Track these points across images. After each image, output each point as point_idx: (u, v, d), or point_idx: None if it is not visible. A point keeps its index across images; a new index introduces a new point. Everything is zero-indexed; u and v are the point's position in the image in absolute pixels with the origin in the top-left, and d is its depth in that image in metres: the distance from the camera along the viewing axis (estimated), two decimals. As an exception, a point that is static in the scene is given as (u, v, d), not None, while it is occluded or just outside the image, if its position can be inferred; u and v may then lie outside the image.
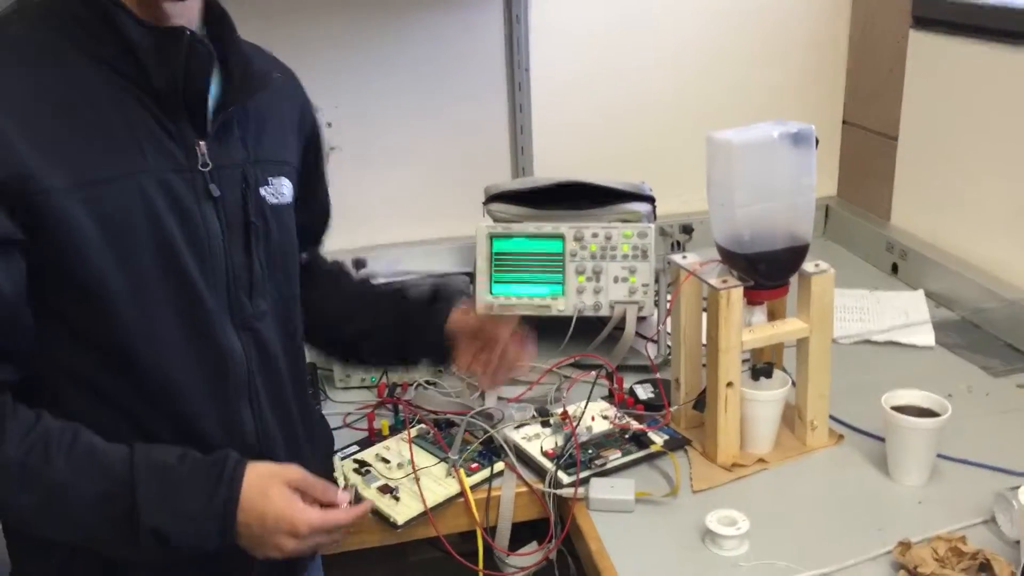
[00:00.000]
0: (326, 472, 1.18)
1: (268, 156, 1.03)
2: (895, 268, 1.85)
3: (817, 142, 1.18)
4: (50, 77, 0.88)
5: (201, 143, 0.94)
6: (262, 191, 1.01)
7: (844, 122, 2.07)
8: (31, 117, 0.85)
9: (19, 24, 0.90)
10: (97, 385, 0.93)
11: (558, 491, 1.18)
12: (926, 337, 1.57)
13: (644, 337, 1.55)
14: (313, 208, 1.20)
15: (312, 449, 1.12)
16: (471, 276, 1.63)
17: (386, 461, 1.26)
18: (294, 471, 0.96)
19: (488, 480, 1.22)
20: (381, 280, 1.74)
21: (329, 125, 1.81)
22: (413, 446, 1.27)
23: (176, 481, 0.91)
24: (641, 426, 1.29)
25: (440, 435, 1.29)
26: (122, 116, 0.90)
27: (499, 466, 1.24)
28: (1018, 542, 1.04)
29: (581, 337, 1.49)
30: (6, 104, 0.85)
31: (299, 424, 1.09)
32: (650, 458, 1.25)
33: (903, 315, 1.65)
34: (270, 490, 0.93)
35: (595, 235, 1.52)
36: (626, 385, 1.41)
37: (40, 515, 0.88)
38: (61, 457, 0.88)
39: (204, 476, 0.92)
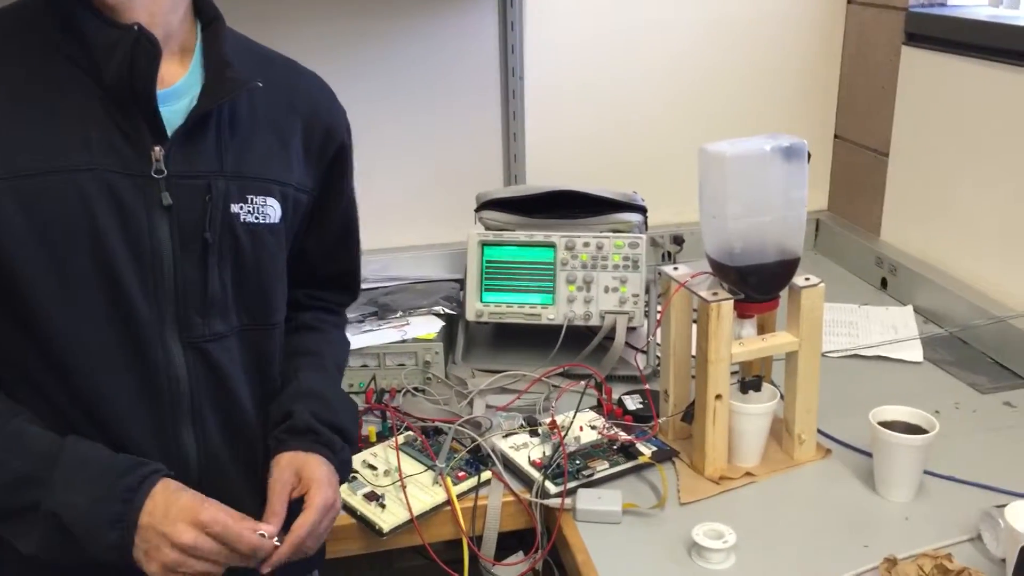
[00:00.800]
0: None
1: (251, 172, 0.97)
2: (884, 283, 1.85)
3: (809, 156, 1.19)
4: (13, 69, 0.87)
5: (157, 148, 0.90)
6: (235, 207, 0.95)
7: (836, 136, 2.08)
8: None
9: (6, 17, 0.90)
10: (37, 383, 0.91)
11: (545, 501, 1.18)
12: (914, 353, 1.57)
13: (633, 348, 1.55)
14: (322, 239, 1.12)
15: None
16: (461, 283, 1.63)
17: (373, 468, 1.25)
18: (212, 510, 0.89)
19: (475, 489, 1.21)
20: (371, 286, 1.75)
21: (322, 129, 1.81)
22: (400, 453, 1.26)
23: (93, 471, 0.88)
24: (629, 437, 1.29)
25: (428, 443, 1.29)
26: (78, 114, 0.88)
27: (486, 475, 1.23)
28: (1003, 560, 1.04)
29: (571, 346, 1.49)
30: None
31: (259, 450, 1.03)
32: (638, 469, 1.24)
33: (892, 330, 1.66)
34: (182, 492, 0.89)
35: (586, 244, 1.52)
36: (615, 396, 1.40)
37: None
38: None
39: (122, 467, 0.88)
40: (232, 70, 0.95)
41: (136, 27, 0.87)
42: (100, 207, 0.88)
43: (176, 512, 0.87)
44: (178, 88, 0.94)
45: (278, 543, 0.92)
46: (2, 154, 0.85)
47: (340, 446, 1.04)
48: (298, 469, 0.98)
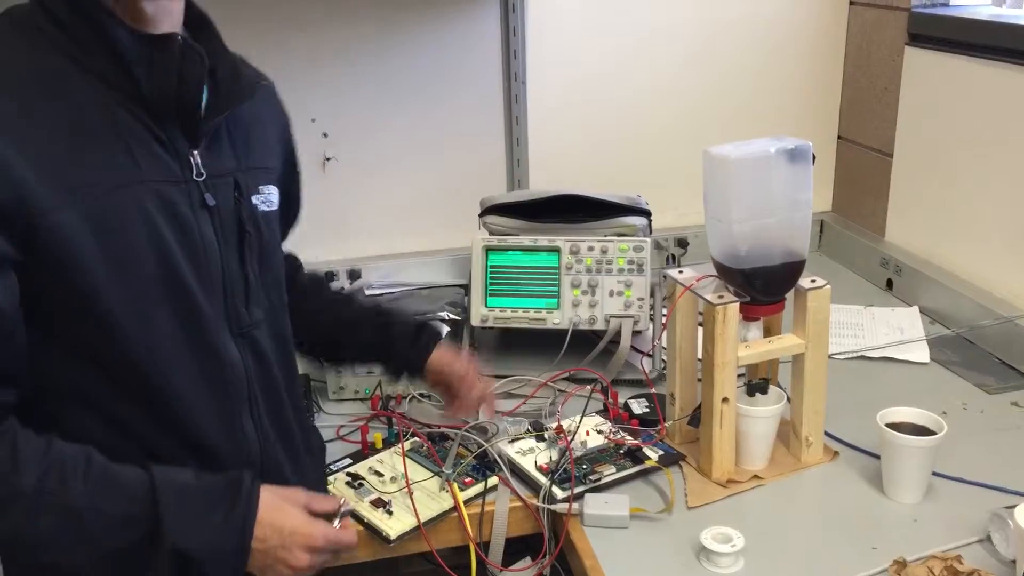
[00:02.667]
0: (322, 481, 1.19)
1: (257, 163, 1.02)
2: (890, 284, 1.85)
3: (814, 158, 1.18)
4: (42, 93, 0.86)
5: (194, 152, 0.94)
6: (254, 199, 1.00)
7: (839, 138, 2.07)
8: (26, 136, 0.84)
9: (8, 34, 0.89)
10: (98, 403, 0.91)
11: (552, 506, 1.18)
12: (921, 354, 1.57)
13: (639, 351, 1.55)
14: (291, 214, 1.19)
15: (310, 459, 1.13)
16: (466, 288, 1.63)
17: (379, 475, 1.25)
18: (300, 493, 0.99)
19: (482, 495, 1.21)
20: (376, 292, 1.75)
21: (325, 135, 1.81)
22: (407, 460, 1.26)
23: (196, 500, 0.91)
24: (636, 441, 1.28)
25: (434, 449, 1.28)
26: (114, 128, 0.88)
27: (493, 480, 1.23)
28: (1014, 561, 1.03)
29: (576, 351, 1.49)
30: (2, 126, 0.83)
31: (296, 433, 1.09)
32: (645, 473, 1.24)
33: (898, 331, 1.65)
34: (285, 506, 0.96)
35: (591, 248, 1.51)
36: (621, 400, 1.40)
37: (56, 540, 0.87)
38: (79, 480, 0.87)
39: (221, 494, 0.92)
40: (243, 68, 0.99)
41: (181, 38, 0.90)
42: (158, 217, 0.91)
43: (290, 535, 0.94)
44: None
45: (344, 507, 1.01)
46: (60, 182, 0.85)
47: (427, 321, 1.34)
48: (452, 366, 1.28)
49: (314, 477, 1.13)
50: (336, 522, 0.99)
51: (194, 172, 0.93)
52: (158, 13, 0.89)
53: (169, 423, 0.94)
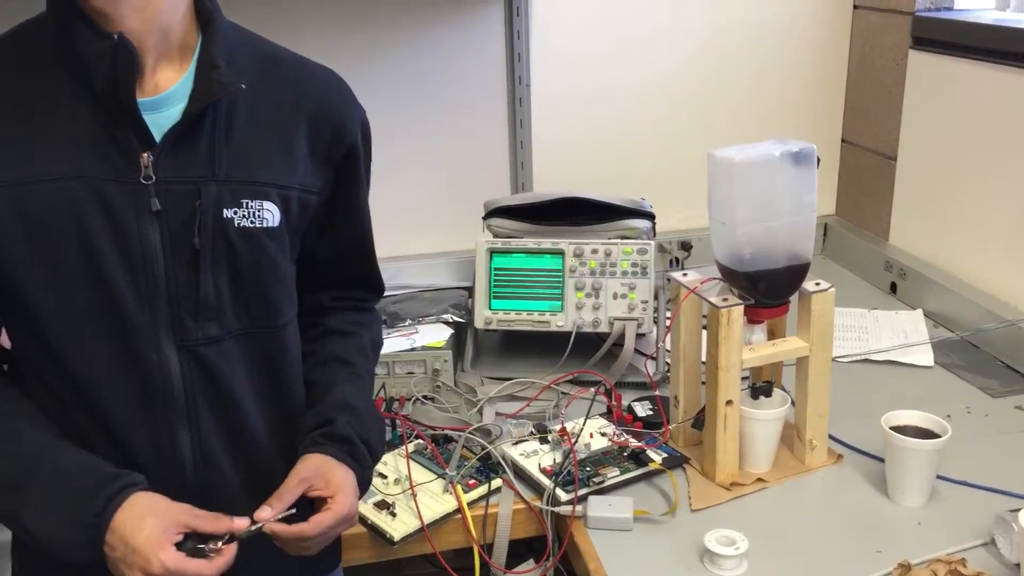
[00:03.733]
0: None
1: (247, 176, 0.96)
2: (894, 287, 1.85)
3: (818, 161, 1.18)
4: (16, 81, 0.89)
5: (145, 155, 0.90)
6: (227, 212, 0.94)
7: (843, 141, 2.07)
8: None
9: (12, 33, 0.93)
10: (42, 378, 0.94)
11: (556, 508, 1.18)
12: (925, 357, 1.57)
13: (643, 354, 1.55)
14: (336, 243, 1.10)
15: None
16: (470, 291, 1.63)
17: (383, 476, 1.25)
18: (182, 511, 0.91)
19: (486, 496, 1.21)
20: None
21: (329, 138, 1.81)
22: (411, 462, 1.26)
23: (64, 483, 0.90)
24: (639, 444, 1.28)
25: (438, 451, 1.28)
26: (72, 122, 0.89)
27: (497, 483, 1.23)
28: (1018, 565, 1.03)
29: (580, 353, 1.49)
30: None
31: (271, 458, 1.03)
32: (648, 476, 1.24)
33: (902, 335, 1.65)
34: (146, 520, 0.89)
35: (595, 251, 1.52)
36: (624, 402, 1.40)
37: None
38: None
39: (91, 489, 0.90)
40: (218, 72, 0.93)
41: (117, 36, 0.87)
42: (89, 213, 0.89)
43: (131, 553, 0.88)
44: (172, 93, 0.93)
45: (252, 526, 0.92)
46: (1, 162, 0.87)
47: (368, 463, 1.05)
48: (326, 472, 0.98)
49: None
50: (218, 543, 0.90)
51: (142, 174, 0.91)
52: (108, 8, 0.87)
53: (97, 420, 0.94)
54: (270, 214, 0.98)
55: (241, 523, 0.91)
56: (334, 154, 1.04)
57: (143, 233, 0.91)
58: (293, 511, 0.94)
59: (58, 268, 0.89)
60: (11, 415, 0.93)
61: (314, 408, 1.05)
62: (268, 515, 0.92)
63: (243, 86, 0.95)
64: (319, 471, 0.98)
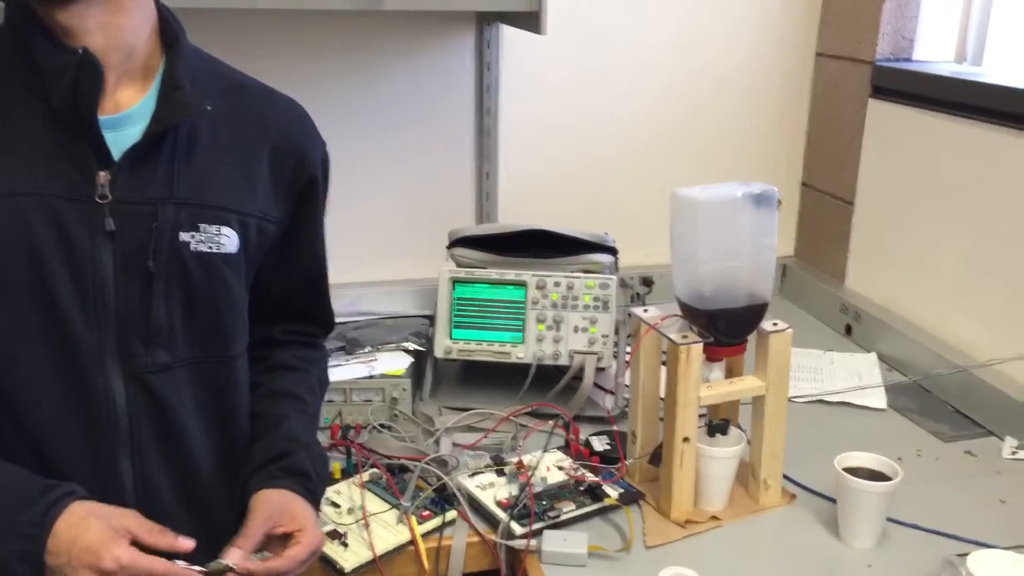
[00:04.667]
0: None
1: (206, 200, 0.94)
2: (849, 329, 1.88)
3: (780, 204, 1.20)
4: None
5: (102, 173, 0.89)
6: (184, 235, 0.93)
7: (803, 184, 2.11)
8: None
9: None
10: None
11: (510, 542, 1.17)
12: (878, 400, 1.59)
13: (602, 388, 1.55)
14: (290, 275, 1.10)
15: (236, 523, 0.98)
16: (431, 319, 1.62)
17: (336, 506, 1.23)
18: (128, 516, 0.88)
19: (440, 528, 1.20)
20: (341, 320, 1.73)
21: (295, 161, 1.81)
22: (365, 491, 1.25)
23: (1, 500, 0.85)
24: (596, 478, 1.28)
25: (393, 481, 1.27)
26: (29, 138, 0.87)
27: (452, 514, 1.22)
28: (965, 609, 1.04)
29: (539, 386, 1.49)
30: None
31: (216, 491, 1.01)
32: (604, 511, 1.24)
33: (856, 377, 1.67)
34: (90, 521, 0.85)
35: (557, 284, 1.52)
36: (582, 436, 1.40)
37: None
38: None
39: (30, 498, 0.85)
40: (181, 93, 0.93)
41: (81, 50, 0.86)
42: (41, 231, 0.87)
43: (78, 553, 0.83)
44: (133, 112, 0.92)
45: (233, 566, 0.89)
46: None
47: (319, 498, 1.05)
48: (289, 507, 0.97)
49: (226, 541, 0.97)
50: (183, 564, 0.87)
51: (97, 193, 0.89)
52: (74, 22, 0.86)
53: (32, 445, 0.90)
54: (228, 239, 0.96)
55: (186, 543, 0.88)
56: (295, 185, 1.04)
57: (95, 254, 0.89)
58: (263, 552, 0.93)
59: (5, 286, 0.86)
60: None
61: (264, 440, 1.03)
62: (239, 556, 0.90)
63: (208, 107, 0.94)
64: (282, 507, 0.96)
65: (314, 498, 1.02)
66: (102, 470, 0.93)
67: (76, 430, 0.91)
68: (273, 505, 0.96)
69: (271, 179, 1.01)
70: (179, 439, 0.97)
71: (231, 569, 0.89)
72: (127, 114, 0.92)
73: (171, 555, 0.88)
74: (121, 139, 0.91)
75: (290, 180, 1.03)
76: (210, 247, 0.95)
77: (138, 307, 0.92)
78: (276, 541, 0.96)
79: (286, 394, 1.10)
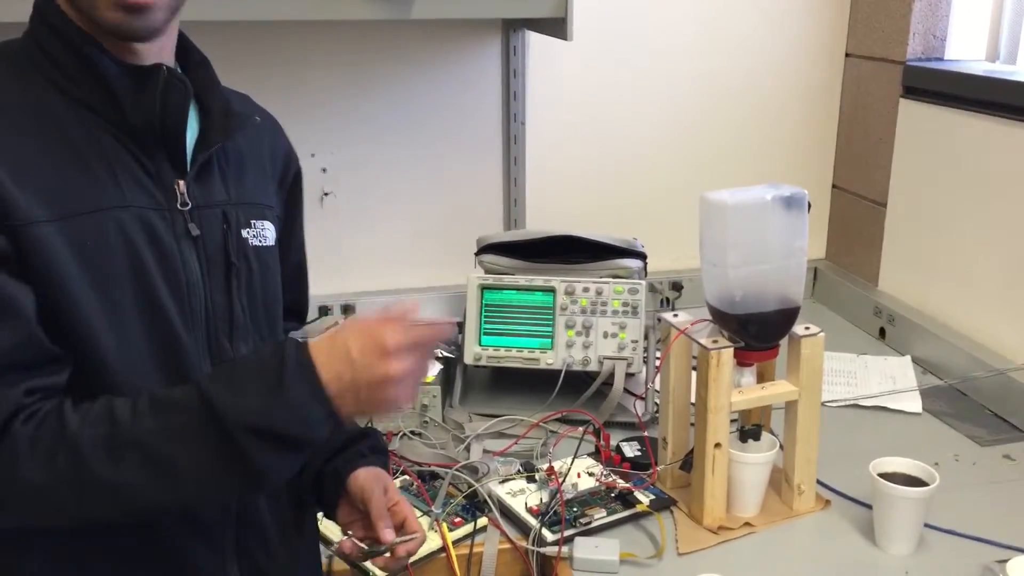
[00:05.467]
0: (303, 524, 1.12)
1: (249, 199, 1.02)
2: (883, 333, 1.86)
3: (810, 206, 1.19)
4: (27, 116, 0.88)
5: (180, 182, 0.94)
6: (244, 232, 0.99)
7: (834, 186, 2.09)
8: (10, 152, 0.84)
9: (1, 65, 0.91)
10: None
11: (542, 549, 1.17)
12: (913, 403, 1.57)
13: (632, 394, 1.55)
14: (283, 268, 1.12)
15: (293, 508, 1.07)
16: (460, 326, 1.62)
17: (368, 512, 1.23)
18: (392, 327, 0.85)
19: (471, 535, 1.20)
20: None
21: (324, 171, 1.82)
22: (396, 498, 1.25)
23: (243, 372, 0.84)
24: (627, 485, 1.28)
25: (424, 487, 1.27)
26: (100, 155, 0.89)
27: (482, 521, 1.22)
28: (1006, 617, 1.03)
29: (569, 392, 1.48)
30: None
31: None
32: (635, 518, 1.23)
33: (890, 380, 1.65)
34: (333, 336, 0.84)
35: (586, 290, 1.52)
36: (613, 442, 1.39)
37: (141, 478, 0.82)
38: (135, 414, 0.83)
39: (268, 361, 0.84)
40: (235, 105, 1.00)
41: (165, 68, 0.90)
42: (140, 243, 0.90)
43: (360, 360, 0.82)
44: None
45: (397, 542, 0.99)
46: (42, 199, 0.85)
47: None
48: (387, 483, 1.05)
49: (294, 523, 1.07)
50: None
51: (179, 201, 0.93)
52: (145, 48, 0.90)
53: None
54: (270, 233, 1.04)
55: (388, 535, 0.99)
56: (286, 180, 1.11)
57: (185, 259, 0.93)
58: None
59: (114, 301, 0.88)
60: (133, 399, 0.85)
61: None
62: (392, 535, 0.99)
63: (258, 119, 1.02)
64: (382, 484, 1.05)
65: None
66: None
67: None
68: (380, 484, 1.04)
69: (271, 176, 1.09)
70: None
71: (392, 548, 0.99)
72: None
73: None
74: None
75: (282, 175, 1.11)
76: (261, 241, 1.02)
77: (222, 304, 0.96)
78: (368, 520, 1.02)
79: None
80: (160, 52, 0.93)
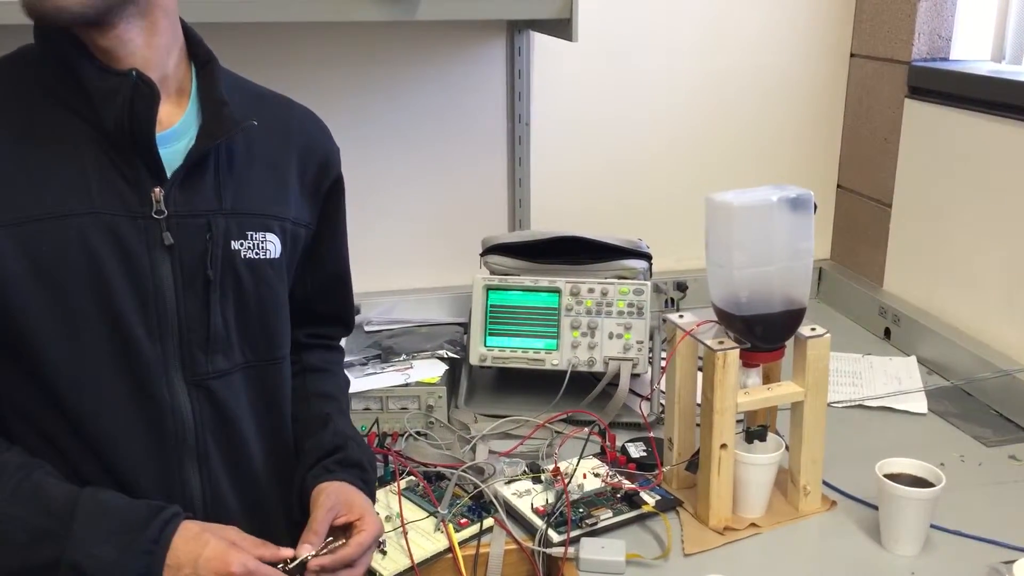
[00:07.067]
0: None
1: (250, 209, 0.98)
2: (888, 333, 1.85)
3: (816, 207, 1.19)
4: (12, 115, 0.88)
5: (157, 189, 0.91)
6: (235, 244, 0.96)
7: (839, 187, 2.09)
8: None
9: (2, 69, 0.91)
10: (39, 425, 0.91)
11: (548, 550, 1.17)
12: (919, 404, 1.57)
13: (637, 395, 1.55)
14: (317, 277, 1.13)
15: (288, 524, 1.04)
16: (465, 327, 1.63)
17: (374, 513, 1.24)
18: (230, 530, 0.92)
19: (477, 536, 1.20)
20: (375, 328, 1.75)
21: (329, 171, 1.82)
22: (402, 499, 1.25)
23: (112, 519, 0.87)
24: (633, 485, 1.28)
25: (430, 488, 1.28)
26: (77, 159, 0.89)
27: (488, 522, 1.22)
28: (1012, 618, 1.03)
29: (574, 392, 1.48)
30: None
31: (270, 493, 1.04)
32: (641, 519, 1.23)
33: (896, 381, 1.65)
34: (206, 535, 0.88)
35: (591, 290, 1.52)
36: (618, 443, 1.40)
37: None
38: (7, 490, 0.86)
39: (141, 518, 0.88)
40: (228, 109, 0.96)
41: (134, 72, 0.89)
42: (102, 250, 0.89)
43: (204, 563, 0.86)
44: (176, 129, 0.95)
45: (308, 557, 0.93)
46: (3, 199, 0.86)
47: (373, 489, 1.08)
48: (347, 499, 1.00)
49: (287, 543, 0.99)
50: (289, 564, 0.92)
51: (153, 209, 0.91)
52: (116, 47, 0.89)
53: (102, 462, 0.92)
54: (272, 245, 1.00)
55: (286, 552, 0.92)
56: (321, 188, 1.08)
57: (155, 268, 0.92)
58: (332, 539, 0.97)
59: (68, 309, 0.88)
60: (25, 471, 0.88)
61: (313, 439, 1.07)
62: (310, 550, 0.94)
63: (254, 123, 0.98)
64: (340, 498, 1.00)
65: (370, 488, 1.06)
66: (171, 479, 0.95)
67: (145, 442, 0.93)
68: (333, 497, 0.99)
69: (299, 184, 1.05)
70: (239, 444, 1.00)
71: (304, 562, 0.93)
72: (172, 131, 0.95)
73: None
74: (167, 155, 0.93)
75: (316, 183, 1.07)
76: (257, 254, 0.99)
77: (197, 316, 0.94)
78: (338, 532, 0.98)
79: (323, 395, 1.14)
80: (143, 52, 0.90)
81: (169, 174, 0.93)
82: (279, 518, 1.04)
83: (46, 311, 0.87)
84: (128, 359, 0.91)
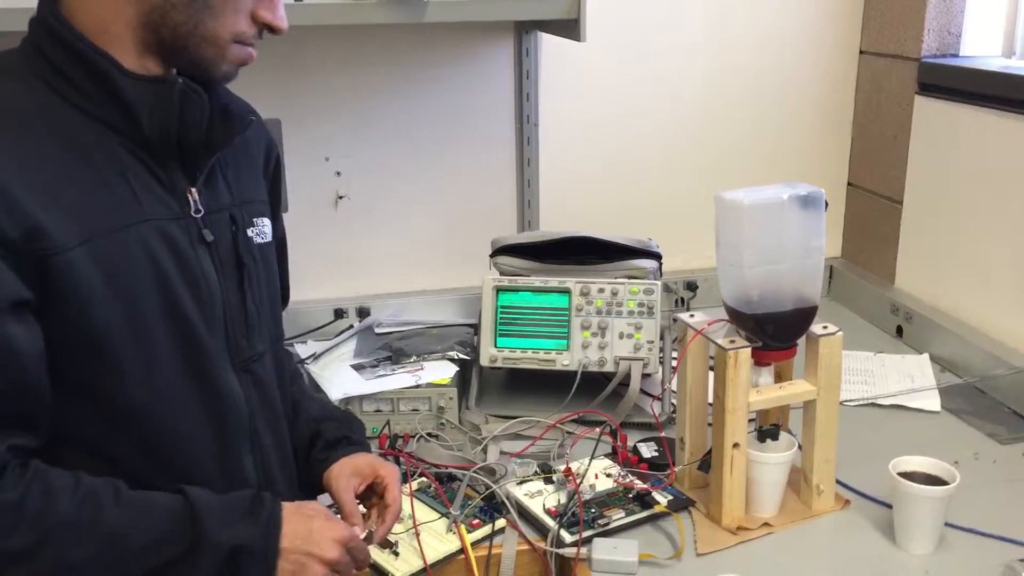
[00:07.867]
0: None
1: (248, 197, 1.04)
2: (900, 331, 1.85)
3: (827, 205, 1.19)
4: (43, 134, 0.87)
5: (192, 190, 0.95)
6: (249, 232, 1.02)
7: (849, 184, 2.08)
8: (32, 174, 0.84)
9: (10, 80, 0.90)
10: (91, 443, 0.91)
11: (560, 550, 1.17)
12: (932, 402, 1.56)
13: (649, 394, 1.55)
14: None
15: (306, 490, 1.13)
16: (476, 328, 1.63)
17: (386, 515, 1.24)
18: (314, 504, 1.00)
19: (489, 537, 1.20)
20: (385, 330, 1.75)
21: (338, 174, 1.83)
22: (414, 500, 1.25)
23: (227, 510, 0.92)
24: (645, 486, 1.27)
25: (442, 489, 1.28)
26: (116, 169, 0.90)
27: (501, 523, 1.22)
28: (1029, 616, 1.02)
29: (585, 393, 1.48)
30: (7, 163, 0.84)
31: (293, 464, 1.11)
32: (654, 519, 1.23)
33: (908, 379, 1.64)
34: (305, 509, 0.97)
35: (601, 290, 1.52)
36: (630, 443, 1.39)
37: (99, 565, 0.86)
38: (113, 506, 0.87)
39: (248, 505, 0.93)
40: (231, 107, 1.00)
41: (180, 80, 0.91)
42: (161, 254, 0.92)
43: (317, 531, 0.94)
44: None
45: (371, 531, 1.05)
46: (68, 220, 0.86)
47: (364, 439, 1.18)
48: (354, 469, 1.09)
49: None
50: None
51: (192, 209, 0.95)
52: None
53: (163, 460, 0.94)
54: (268, 228, 1.07)
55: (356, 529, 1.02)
56: (268, 169, 1.13)
57: (202, 264, 0.96)
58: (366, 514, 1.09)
59: (143, 314, 0.90)
60: (112, 484, 0.90)
61: (291, 432, 1.13)
62: (362, 531, 1.03)
63: (253, 119, 1.02)
64: (347, 474, 1.09)
65: (363, 445, 1.15)
66: (231, 466, 0.99)
67: (209, 433, 0.97)
68: (343, 479, 1.08)
69: (260, 170, 1.11)
70: (279, 424, 1.06)
71: (370, 536, 1.04)
72: None
73: None
74: None
75: (265, 164, 1.13)
76: (262, 238, 1.04)
77: (236, 304, 0.99)
78: (364, 495, 1.10)
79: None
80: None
81: None
82: (298, 496, 1.08)
83: (123, 322, 0.89)
84: (193, 355, 0.94)
